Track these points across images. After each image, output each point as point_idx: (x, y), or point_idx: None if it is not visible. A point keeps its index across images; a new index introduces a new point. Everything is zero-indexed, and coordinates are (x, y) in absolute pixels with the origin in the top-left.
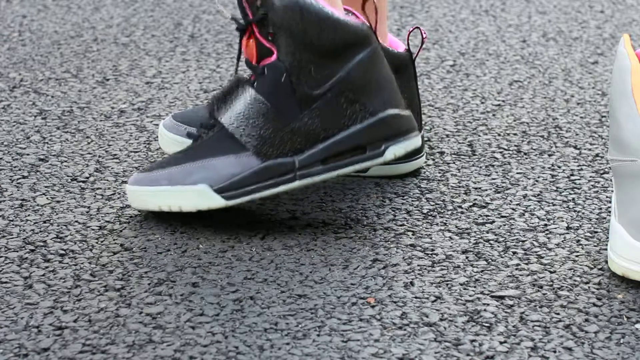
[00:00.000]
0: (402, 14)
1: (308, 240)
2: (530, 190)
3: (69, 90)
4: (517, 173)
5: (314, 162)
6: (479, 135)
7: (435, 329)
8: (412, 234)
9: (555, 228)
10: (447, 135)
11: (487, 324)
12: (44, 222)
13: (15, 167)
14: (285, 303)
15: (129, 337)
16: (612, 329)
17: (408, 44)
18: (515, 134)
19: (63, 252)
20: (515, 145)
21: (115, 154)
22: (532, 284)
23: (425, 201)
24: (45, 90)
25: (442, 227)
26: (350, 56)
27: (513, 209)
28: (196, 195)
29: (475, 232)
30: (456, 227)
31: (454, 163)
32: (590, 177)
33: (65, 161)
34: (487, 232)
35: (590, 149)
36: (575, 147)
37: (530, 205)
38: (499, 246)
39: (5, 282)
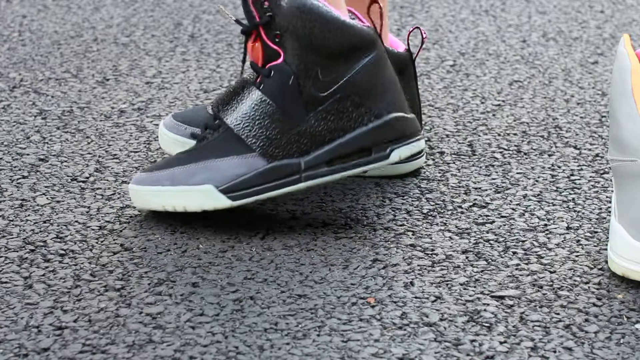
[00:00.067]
0: (402, 14)
1: (308, 240)
2: (530, 190)
3: (69, 90)
4: (517, 173)
5: (320, 164)
6: (479, 135)
7: (435, 329)
8: (412, 234)
9: (555, 228)
10: (447, 135)
11: (487, 324)
12: (44, 222)
13: (15, 167)
14: (285, 303)
15: (129, 337)
16: (612, 329)
17: (408, 44)
18: (515, 134)
19: (63, 252)
20: (515, 145)
21: (115, 154)
22: (532, 284)
23: (425, 201)
24: (45, 90)
25: (442, 227)
26: (356, 59)
27: (513, 209)
28: (202, 196)
29: (475, 232)
30: (456, 227)
31: (454, 163)
32: (590, 177)
33: (65, 161)
34: (487, 232)
35: (590, 149)
36: (575, 147)
37: (530, 205)
38: (499, 246)
39: (5, 282)
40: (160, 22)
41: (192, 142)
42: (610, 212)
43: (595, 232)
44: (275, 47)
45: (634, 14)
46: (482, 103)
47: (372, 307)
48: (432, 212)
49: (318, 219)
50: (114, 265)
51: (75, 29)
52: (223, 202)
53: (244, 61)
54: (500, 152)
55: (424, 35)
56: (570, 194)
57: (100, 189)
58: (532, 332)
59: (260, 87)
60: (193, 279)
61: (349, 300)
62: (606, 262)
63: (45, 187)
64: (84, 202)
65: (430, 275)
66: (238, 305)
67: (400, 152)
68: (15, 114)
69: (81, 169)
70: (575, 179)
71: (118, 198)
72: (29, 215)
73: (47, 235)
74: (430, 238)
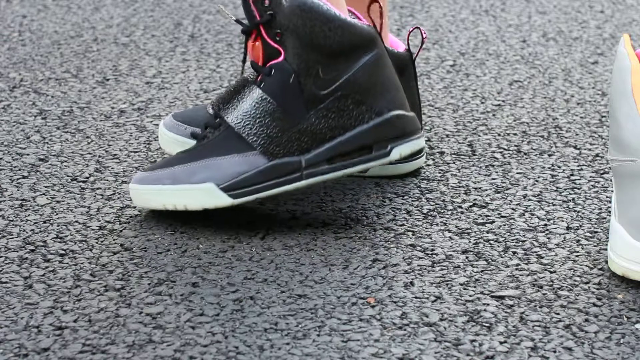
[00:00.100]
0: (402, 14)
1: (308, 240)
2: (530, 190)
3: (69, 90)
4: (517, 173)
5: (321, 162)
6: (479, 135)
7: (435, 329)
8: (412, 234)
9: (555, 228)
10: (447, 135)
11: (487, 324)
12: (44, 222)
13: (15, 167)
14: (285, 303)
15: (129, 337)
16: (612, 329)
17: (408, 44)
18: (515, 134)
19: (63, 252)
20: (515, 145)
21: (115, 154)
22: (532, 284)
23: (425, 201)
24: (45, 90)
25: (442, 227)
26: (357, 58)
27: (513, 209)
28: (202, 194)
29: (475, 232)
30: (456, 227)
31: (454, 163)
32: (590, 177)
33: (65, 161)
34: (487, 232)
35: (590, 149)
36: (575, 147)
37: (530, 205)
38: (499, 246)
39: (5, 282)
40: (160, 22)
41: (192, 142)
42: (610, 212)
43: (595, 232)
44: (276, 45)
45: (634, 14)
46: (482, 103)
47: (372, 307)
48: (432, 212)
49: (318, 219)
50: (114, 265)
51: (75, 29)
52: (224, 200)
53: (244, 61)
54: (500, 152)
55: (424, 35)
56: (570, 194)
57: (100, 189)
58: (532, 332)
59: (261, 86)
60: (193, 279)
61: (349, 300)
62: (606, 262)
63: (45, 187)
64: (84, 202)
65: (430, 275)
66: (238, 305)
67: (400, 150)
68: (15, 114)
69: (81, 169)
70: (575, 179)
71: (118, 198)
72: (29, 215)
73: (47, 235)
74: (430, 238)
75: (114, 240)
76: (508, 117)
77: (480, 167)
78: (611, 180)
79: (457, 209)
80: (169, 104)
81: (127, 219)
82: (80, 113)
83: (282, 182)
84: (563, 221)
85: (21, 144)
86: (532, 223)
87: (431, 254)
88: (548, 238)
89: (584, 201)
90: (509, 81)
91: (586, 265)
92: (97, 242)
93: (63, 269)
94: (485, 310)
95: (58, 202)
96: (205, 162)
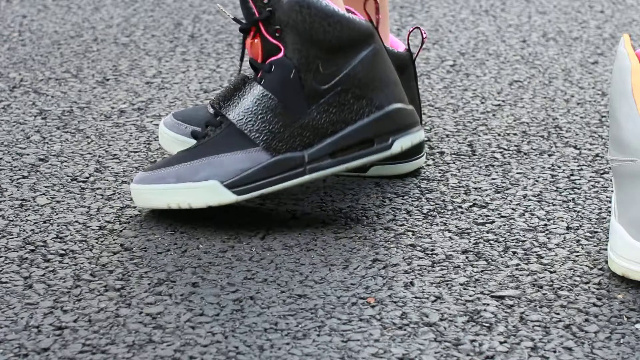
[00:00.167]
0: (402, 14)
1: (308, 240)
2: (530, 190)
3: (69, 90)
4: (517, 173)
5: (323, 156)
6: (479, 135)
7: (435, 329)
8: (412, 234)
9: (555, 228)
10: (447, 135)
11: (487, 324)
12: (44, 222)
13: (15, 167)
14: (285, 303)
15: (129, 337)
16: (612, 329)
17: (408, 44)
18: (515, 134)
19: (63, 252)
20: (515, 145)
21: (115, 154)
22: (532, 284)
23: (425, 201)
24: (45, 90)
25: (442, 227)
26: (355, 53)
27: (513, 209)
28: (206, 191)
29: (475, 232)
30: (456, 227)
31: (454, 163)
32: (590, 177)
33: (65, 161)
34: (487, 232)
35: (590, 149)
36: (575, 147)
37: (530, 205)
38: (499, 246)
39: (5, 282)
40: (160, 22)
41: (193, 141)
42: (610, 212)
43: (595, 232)
44: (275, 42)
45: (634, 14)
46: (482, 103)
47: (372, 307)
48: (432, 212)
49: (318, 219)
50: (114, 265)
51: (75, 29)
52: (228, 197)
53: (242, 59)
54: (500, 152)
55: (424, 35)
56: (570, 194)
57: (100, 189)
58: (532, 332)
59: (262, 82)
60: (193, 279)
61: (349, 300)
62: (606, 262)
63: (45, 187)
64: (84, 202)
65: (430, 275)
66: (238, 305)
67: (402, 143)
68: (15, 114)
69: (81, 169)
70: (575, 179)
71: (118, 198)
72: (29, 215)
73: (47, 235)
74: (430, 238)
75: (114, 240)
76: (508, 117)
77: (480, 167)
78: (611, 180)
79: (457, 209)
80: (169, 104)
81: (127, 219)
82: (80, 113)
83: (286, 177)
84: (563, 221)
85: (21, 144)
86: (532, 223)
87: (431, 254)
88: (548, 238)
89: (584, 201)
90: (509, 81)
91: (586, 265)
92: (97, 242)
93: (63, 269)
94: (485, 310)
95: (58, 202)
96: (208, 160)
